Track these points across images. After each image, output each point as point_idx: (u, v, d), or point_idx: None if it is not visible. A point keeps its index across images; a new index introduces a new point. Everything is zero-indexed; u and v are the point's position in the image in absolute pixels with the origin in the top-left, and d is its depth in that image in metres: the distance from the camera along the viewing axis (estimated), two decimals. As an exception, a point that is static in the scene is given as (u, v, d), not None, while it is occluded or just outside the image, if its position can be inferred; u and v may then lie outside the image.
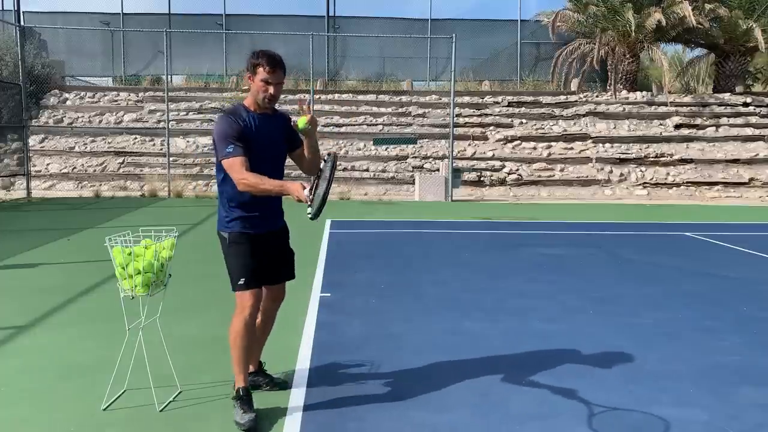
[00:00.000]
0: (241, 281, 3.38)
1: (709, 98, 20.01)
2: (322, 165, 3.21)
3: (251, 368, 3.64)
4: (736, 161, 18.14)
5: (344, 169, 17.36)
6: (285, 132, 3.50)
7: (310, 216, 3.04)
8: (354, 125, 18.74)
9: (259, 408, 3.45)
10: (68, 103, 19.31)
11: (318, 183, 3.12)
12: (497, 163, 17.90)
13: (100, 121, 18.79)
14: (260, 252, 3.45)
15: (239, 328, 3.37)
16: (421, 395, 3.68)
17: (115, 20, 21.90)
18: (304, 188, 3.08)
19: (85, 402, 3.51)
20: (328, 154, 3.23)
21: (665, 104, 19.49)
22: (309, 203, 3.03)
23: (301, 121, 3.36)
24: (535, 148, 18.46)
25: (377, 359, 4.25)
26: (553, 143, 18.58)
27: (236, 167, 3.22)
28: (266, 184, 3.21)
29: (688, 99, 19.89)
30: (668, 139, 18.74)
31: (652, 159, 18.15)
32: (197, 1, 31.22)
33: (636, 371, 4.10)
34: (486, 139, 18.75)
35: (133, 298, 3.41)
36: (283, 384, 3.75)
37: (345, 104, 19.51)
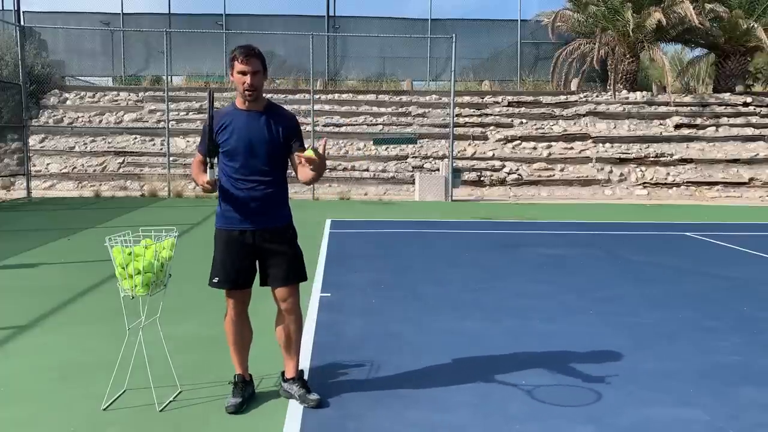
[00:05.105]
0: (215, 280, 3.50)
1: (709, 98, 20.01)
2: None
3: (287, 375, 3.61)
4: (736, 161, 18.14)
5: (344, 169, 17.35)
6: (277, 132, 3.42)
7: (210, 162, 3.38)
8: (354, 125, 18.74)
9: (260, 407, 3.48)
10: (68, 103, 19.31)
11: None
12: (497, 163, 17.90)
13: (100, 121, 18.79)
14: (238, 251, 3.44)
15: (225, 323, 3.59)
16: (421, 395, 3.68)
17: (115, 20, 21.89)
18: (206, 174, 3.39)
19: (85, 402, 3.51)
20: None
21: (666, 104, 19.49)
22: (210, 169, 3.37)
23: (308, 152, 3.28)
24: (535, 148, 18.46)
25: (377, 359, 4.25)
26: (553, 143, 18.58)
27: (194, 161, 3.61)
28: (194, 174, 3.56)
29: (688, 99, 19.89)
30: (668, 139, 18.75)
31: (652, 159, 18.15)
32: (197, 1, 31.34)
33: (636, 371, 4.10)
34: (486, 139, 18.75)
35: (133, 298, 3.41)
36: (316, 403, 3.47)
37: (345, 104, 19.50)
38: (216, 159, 3.40)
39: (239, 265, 3.45)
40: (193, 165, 3.63)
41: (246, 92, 3.35)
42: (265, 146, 3.40)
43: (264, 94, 3.55)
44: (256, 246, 3.45)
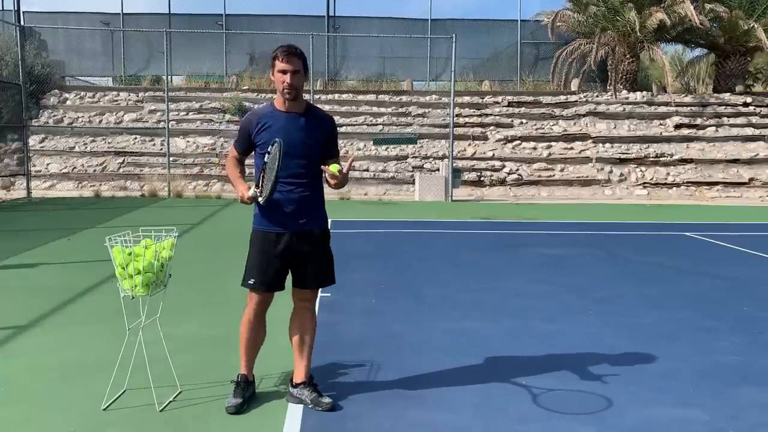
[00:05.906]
0: (250, 281, 3.45)
1: (710, 98, 20.01)
2: (267, 158, 3.28)
3: (297, 380, 3.58)
4: (736, 161, 18.14)
5: (344, 169, 17.34)
6: (317, 134, 3.44)
7: (261, 202, 3.30)
8: (354, 125, 18.74)
9: (260, 407, 3.48)
10: (68, 103, 19.31)
11: (264, 175, 3.28)
12: (497, 163, 17.90)
13: (100, 121, 18.79)
14: (275, 254, 3.42)
15: (242, 322, 3.56)
16: (422, 395, 3.68)
17: (115, 20, 21.89)
18: (250, 188, 3.32)
19: (85, 402, 3.51)
20: (274, 142, 3.25)
21: (666, 104, 19.48)
22: (258, 196, 3.28)
23: (333, 168, 3.38)
24: (535, 148, 18.45)
25: (377, 359, 4.25)
26: (553, 143, 18.58)
27: (228, 156, 3.63)
28: (230, 174, 3.57)
29: (688, 99, 19.89)
30: (668, 139, 18.74)
31: (652, 159, 18.14)
32: (197, 1, 31.34)
33: (636, 371, 4.10)
34: (486, 139, 18.75)
35: (133, 298, 3.41)
36: (329, 407, 3.46)
37: (345, 104, 19.50)
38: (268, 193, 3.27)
39: (275, 267, 3.44)
40: (228, 162, 3.60)
41: (285, 91, 3.34)
42: (304, 149, 3.40)
43: (262, 94, 3.54)
44: (292, 249, 3.45)
